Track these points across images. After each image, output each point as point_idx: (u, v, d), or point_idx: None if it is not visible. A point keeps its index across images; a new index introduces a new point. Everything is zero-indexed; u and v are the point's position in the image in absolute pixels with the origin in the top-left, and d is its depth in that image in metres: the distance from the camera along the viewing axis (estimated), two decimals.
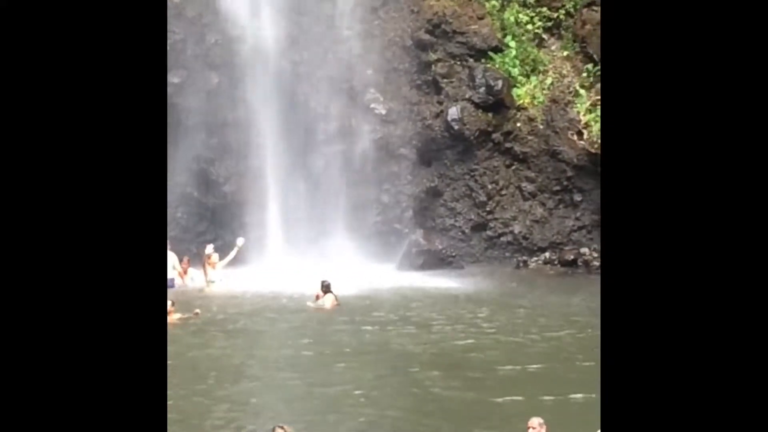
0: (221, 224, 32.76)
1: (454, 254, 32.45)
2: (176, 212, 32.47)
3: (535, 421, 14.79)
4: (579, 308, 25.25)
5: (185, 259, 29.74)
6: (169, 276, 27.25)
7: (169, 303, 23.43)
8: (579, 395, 17.20)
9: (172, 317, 23.23)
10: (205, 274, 28.55)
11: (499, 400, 17.10)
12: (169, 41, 31.92)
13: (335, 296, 25.35)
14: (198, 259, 30.01)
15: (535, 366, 19.48)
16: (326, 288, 25.42)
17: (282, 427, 11.44)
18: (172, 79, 32.18)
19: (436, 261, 31.96)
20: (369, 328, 22.90)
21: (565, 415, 15.93)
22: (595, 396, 16.39)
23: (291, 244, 32.29)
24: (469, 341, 21.62)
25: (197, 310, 24.10)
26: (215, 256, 28.75)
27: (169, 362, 18.41)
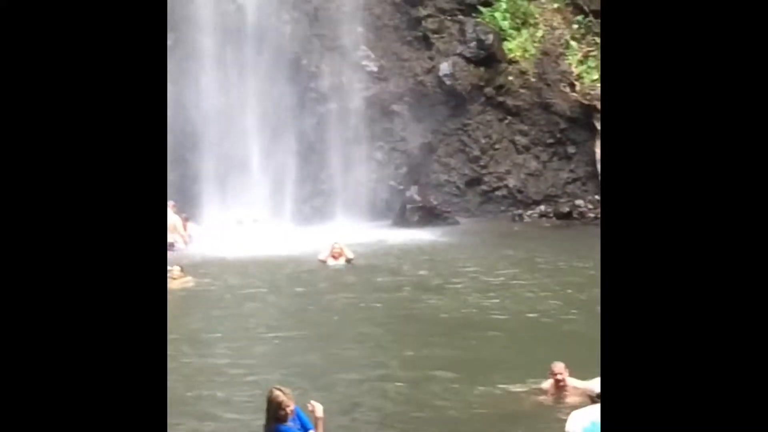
0: (214, 185, 32.65)
1: (449, 209, 32.50)
2: (170, 175, 32.37)
3: (560, 366, 15.02)
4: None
5: (182, 216, 29.64)
6: (170, 239, 27.08)
7: (177, 268, 23.50)
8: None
9: (180, 282, 23.31)
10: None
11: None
12: None
13: (349, 258, 25.55)
14: (193, 220, 30.13)
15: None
16: (340, 250, 25.55)
17: (279, 389, 11.47)
18: None
19: (431, 217, 32.00)
20: (380, 287, 23.04)
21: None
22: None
23: (284, 204, 32.29)
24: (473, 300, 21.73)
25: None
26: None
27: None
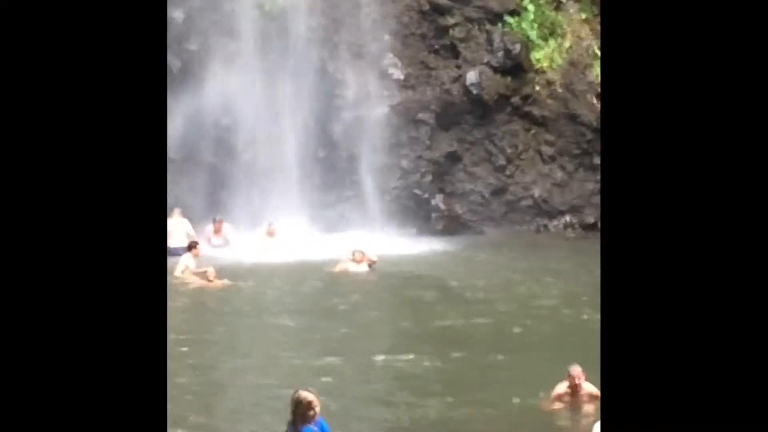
0: (240, 192, 32.68)
1: (474, 219, 32.52)
2: (195, 180, 32.43)
3: (577, 370, 15.01)
4: None
5: (218, 218, 29.99)
6: (180, 244, 27.28)
7: (212, 269, 23.96)
8: None
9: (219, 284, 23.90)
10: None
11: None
12: (186, 9, 31.93)
13: (372, 261, 25.82)
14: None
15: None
16: (361, 255, 25.78)
17: (307, 389, 11.47)
18: (190, 46, 32.20)
19: (456, 226, 32.00)
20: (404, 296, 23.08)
21: None
22: None
23: (310, 211, 32.28)
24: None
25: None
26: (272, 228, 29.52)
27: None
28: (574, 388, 15.03)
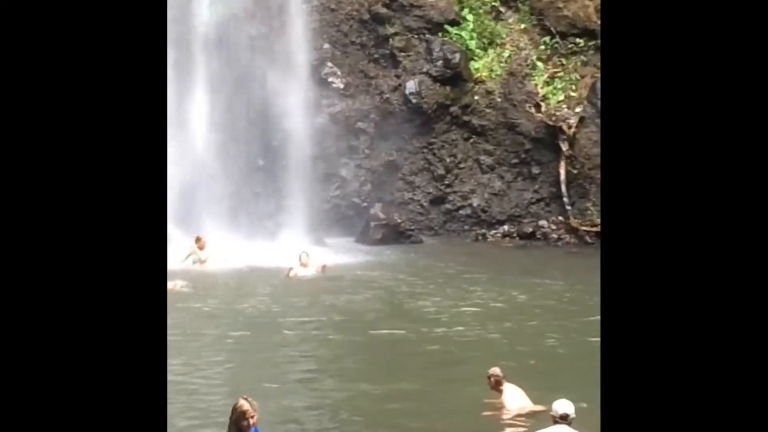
0: (181, 202, 32.34)
1: (412, 228, 32.54)
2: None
3: (496, 371, 15.21)
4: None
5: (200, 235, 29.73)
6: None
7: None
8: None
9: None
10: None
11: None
12: None
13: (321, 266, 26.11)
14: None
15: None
16: (306, 259, 26.15)
17: (246, 399, 11.37)
18: None
19: (394, 234, 32.02)
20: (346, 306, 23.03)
21: None
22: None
23: (249, 219, 32.13)
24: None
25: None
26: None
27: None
28: (495, 387, 15.21)
